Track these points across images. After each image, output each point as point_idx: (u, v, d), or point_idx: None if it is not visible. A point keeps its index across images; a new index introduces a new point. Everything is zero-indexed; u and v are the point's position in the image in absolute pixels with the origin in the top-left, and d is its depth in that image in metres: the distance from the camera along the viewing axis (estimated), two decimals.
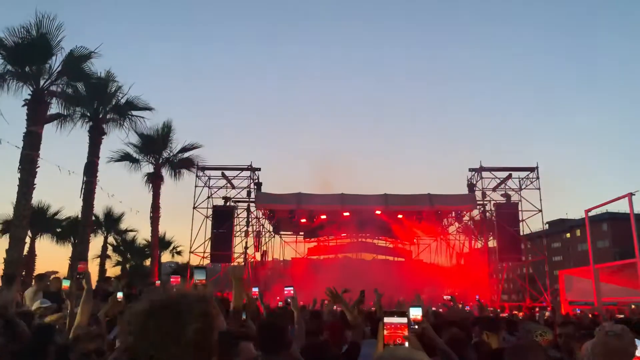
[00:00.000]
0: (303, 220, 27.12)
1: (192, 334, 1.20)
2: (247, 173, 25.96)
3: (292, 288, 4.05)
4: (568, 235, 71.32)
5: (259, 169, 26.13)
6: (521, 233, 25.21)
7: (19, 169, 14.81)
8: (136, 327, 1.24)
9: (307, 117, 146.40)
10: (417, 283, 23.01)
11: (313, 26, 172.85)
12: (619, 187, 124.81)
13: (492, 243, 25.73)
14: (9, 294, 6.35)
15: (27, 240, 17.99)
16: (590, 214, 19.81)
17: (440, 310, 9.26)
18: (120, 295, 4.57)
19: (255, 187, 25.84)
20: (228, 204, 25.91)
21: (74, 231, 23.05)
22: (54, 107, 17.00)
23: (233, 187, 26.34)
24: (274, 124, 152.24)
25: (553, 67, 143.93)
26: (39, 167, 15.18)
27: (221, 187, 26.29)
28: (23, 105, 15.37)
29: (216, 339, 1.26)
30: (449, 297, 8.70)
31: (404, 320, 1.66)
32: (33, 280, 9.00)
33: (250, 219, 26.48)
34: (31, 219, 16.24)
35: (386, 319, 1.65)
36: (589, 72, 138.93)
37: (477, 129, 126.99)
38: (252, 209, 26.40)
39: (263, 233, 29.02)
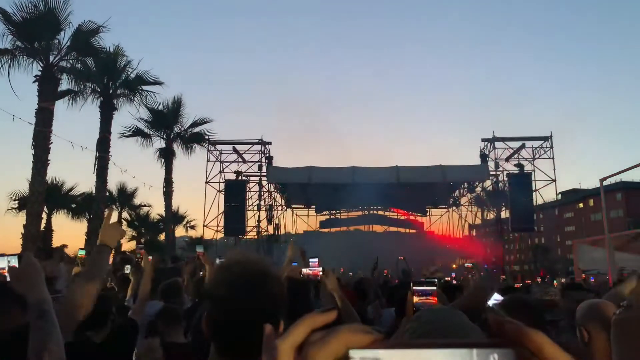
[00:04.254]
0: (314, 194, 27.19)
1: (273, 287, 1.42)
2: (258, 147, 26.00)
3: (316, 260, 3.96)
4: (581, 205, 70.80)
5: (270, 143, 26.15)
6: (534, 203, 25.07)
7: (32, 145, 14.87)
8: (225, 276, 1.42)
9: (317, 90, 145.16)
10: (429, 255, 23.09)
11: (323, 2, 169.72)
12: (633, 156, 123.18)
13: (504, 214, 25.66)
14: (49, 267, 6.52)
15: (44, 216, 18.20)
16: (604, 183, 19.54)
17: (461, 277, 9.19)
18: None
19: (267, 161, 25.88)
20: (240, 178, 26.02)
21: (88, 207, 23.27)
22: (65, 83, 16.95)
23: (244, 161, 26.40)
24: (283, 97, 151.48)
25: (565, 35, 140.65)
26: (52, 143, 15.17)
27: (232, 162, 26.37)
28: (34, 82, 15.27)
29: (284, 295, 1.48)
30: (471, 264, 8.62)
31: (434, 288, 1.68)
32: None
33: (262, 193, 26.63)
34: (46, 195, 16.39)
35: (415, 287, 1.67)
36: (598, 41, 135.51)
37: (490, 98, 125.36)
38: (264, 182, 26.51)
39: (275, 206, 29.18)
